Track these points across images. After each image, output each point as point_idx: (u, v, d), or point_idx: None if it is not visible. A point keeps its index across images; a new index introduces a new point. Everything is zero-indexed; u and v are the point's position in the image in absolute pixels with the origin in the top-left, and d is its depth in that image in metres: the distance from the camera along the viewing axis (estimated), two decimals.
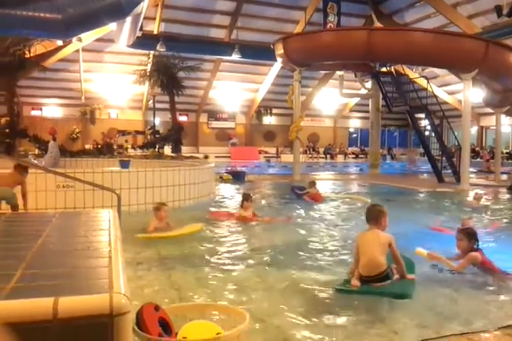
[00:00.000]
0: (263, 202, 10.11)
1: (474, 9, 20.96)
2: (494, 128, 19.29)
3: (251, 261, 5.01)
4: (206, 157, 26.95)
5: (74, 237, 2.19)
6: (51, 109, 28.46)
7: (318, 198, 10.26)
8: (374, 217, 4.11)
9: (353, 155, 33.88)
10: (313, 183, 10.82)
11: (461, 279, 4.34)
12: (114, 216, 2.66)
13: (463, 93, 14.28)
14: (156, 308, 2.34)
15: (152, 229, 6.15)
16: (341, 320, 3.36)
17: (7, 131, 14.97)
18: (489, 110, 20.51)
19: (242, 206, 7.56)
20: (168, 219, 6.43)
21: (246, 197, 7.58)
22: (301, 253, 5.41)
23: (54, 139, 12.36)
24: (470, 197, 10.38)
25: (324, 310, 3.54)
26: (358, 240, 4.09)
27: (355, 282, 3.89)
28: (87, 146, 22.08)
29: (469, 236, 4.66)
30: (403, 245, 5.19)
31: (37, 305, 1.30)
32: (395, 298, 3.69)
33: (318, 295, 3.90)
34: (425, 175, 19.47)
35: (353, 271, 4.05)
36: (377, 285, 3.85)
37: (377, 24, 25.12)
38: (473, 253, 4.49)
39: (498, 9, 16.53)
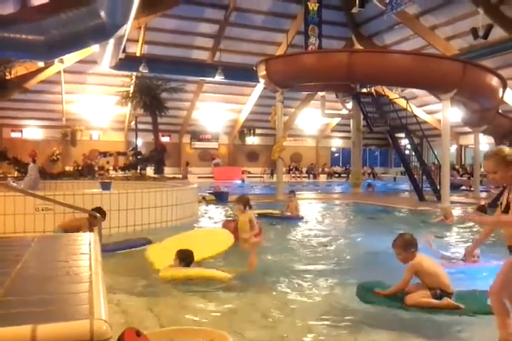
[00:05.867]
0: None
1: (452, 31, 21.58)
2: (473, 146, 19.65)
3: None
4: (187, 164, 26.79)
5: (53, 262, 2.14)
6: (32, 131, 28.24)
7: (296, 212, 10.21)
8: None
9: (336, 175, 34.13)
10: (292, 192, 10.72)
11: None
12: (95, 239, 2.62)
13: (442, 113, 14.57)
14: (138, 333, 2.29)
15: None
16: None
17: None
18: (468, 129, 20.96)
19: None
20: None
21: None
22: (290, 274, 5.37)
23: (34, 161, 12.21)
24: (439, 215, 10.46)
25: None
26: (422, 265, 3.97)
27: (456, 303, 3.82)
28: (67, 168, 21.83)
29: None
30: (384, 261, 5.22)
31: (15, 333, 1.26)
32: None
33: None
34: (406, 193, 19.65)
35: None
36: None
37: (358, 46, 25.69)
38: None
39: (474, 32, 17.07)
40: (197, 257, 5.28)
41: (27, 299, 1.57)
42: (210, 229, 6.24)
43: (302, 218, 10.19)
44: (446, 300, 3.81)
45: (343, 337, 3.43)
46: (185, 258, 5.06)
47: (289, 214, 10.26)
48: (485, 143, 25.37)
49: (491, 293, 3.09)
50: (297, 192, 11.63)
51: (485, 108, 16.00)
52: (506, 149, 2.95)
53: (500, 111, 18.76)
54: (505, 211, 2.92)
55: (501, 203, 3.02)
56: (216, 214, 11.75)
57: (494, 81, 14.58)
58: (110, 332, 1.33)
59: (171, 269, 4.85)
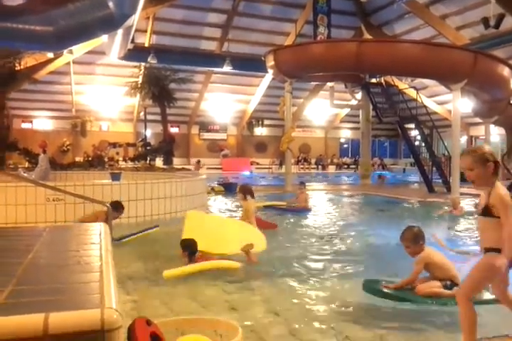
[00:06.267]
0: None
1: (462, 21, 21.29)
2: (483, 137, 19.47)
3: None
4: (198, 161, 27.07)
5: (65, 252, 2.17)
6: (42, 122, 28.37)
7: (305, 204, 10.13)
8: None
9: (345, 166, 34.04)
10: (303, 184, 10.67)
11: None
12: (105, 229, 2.64)
13: (452, 103, 14.44)
14: (148, 322, 2.32)
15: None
16: None
17: None
18: (478, 120, 20.75)
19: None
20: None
21: None
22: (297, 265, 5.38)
23: (44, 152, 12.30)
24: (448, 206, 10.37)
25: None
26: (431, 257, 3.98)
27: None
28: (77, 159, 21.97)
29: None
30: (393, 254, 5.21)
31: (27, 322, 1.28)
32: None
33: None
34: (416, 184, 19.56)
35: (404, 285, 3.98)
36: None
37: (367, 36, 25.44)
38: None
39: (485, 21, 16.81)
40: (220, 249, 5.26)
41: (39, 288, 1.59)
42: (252, 228, 6.20)
43: (310, 210, 10.17)
44: (456, 290, 3.82)
45: (353, 332, 3.43)
46: (187, 246, 5.04)
47: (297, 205, 10.22)
48: (496, 134, 25.12)
49: (459, 296, 2.91)
50: (306, 184, 11.60)
51: (496, 98, 15.82)
52: (486, 147, 2.92)
53: (511, 101, 18.54)
54: (483, 213, 2.88)
55: (479, 204, 3.00)
56: (225, 204, 11.79)
57: (506, 71, 14.40)
58: (121, 321, 1.35)
59: (174, 270, 4.68)
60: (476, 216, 9.38)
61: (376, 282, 4.12)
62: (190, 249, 5.03)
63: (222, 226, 6.00)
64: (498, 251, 2.81)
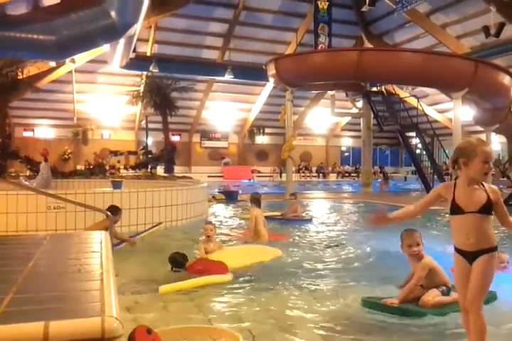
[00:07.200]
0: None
1: (463, 30, 21.41)
2: None
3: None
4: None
5: (65, 260, 2.16)
6: (43, 130, 28.47)
7: (297, 213, 10.06)
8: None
9: (346, 174, 34.02)
10: (293, 195, 10.66)
11: None
12: (106, 238, 2.63)
13: (453, 111, 14.47)
14: (149, 331, 2.30)
15: (203, 253, 5.70)
16: None
17: None
18: (479, 128, 20.78)
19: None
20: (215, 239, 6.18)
21: None
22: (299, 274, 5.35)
23: (45, 160, 12.30)
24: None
25: None
26: (433, 263, 3.91)
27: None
28: (78, 167, 21.99)
29: None
30: (395, 264, 5.17)
31: (27, 330, 1.27)
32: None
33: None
34: (417, 192, 19.51)
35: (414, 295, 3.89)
36: None
37: (368, 45, 25.58)
38: None
39: (485, 30, 16.91)
40: (236, 263, 5.38)
41: (39, 296, 1.59)
42: (266, 247, 6.38)
43: (311, 220, 10.10)
44: (455, 295, 3.77)
45: None
46: (172, 260, 5.08)
47: (292, 215, 10.14)
48: (497, 142, 25.15)
49: (473, 308, 2.78)
50: (307, 192, 11.60)
51: (497, 107, 15.86)
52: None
53: None
54: (485, 211, 2.77)
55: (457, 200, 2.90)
56: (226, 213, 11.77)
57: (506, 79, 14.46)
58: (121, 329, 1.34)
59: (168, 285, 4.54)
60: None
61: (376, 299, 3.99)
62: (174, 262, 5.06)
63: (239, 250, 6.26)
64: (495, 249, 2.82)
